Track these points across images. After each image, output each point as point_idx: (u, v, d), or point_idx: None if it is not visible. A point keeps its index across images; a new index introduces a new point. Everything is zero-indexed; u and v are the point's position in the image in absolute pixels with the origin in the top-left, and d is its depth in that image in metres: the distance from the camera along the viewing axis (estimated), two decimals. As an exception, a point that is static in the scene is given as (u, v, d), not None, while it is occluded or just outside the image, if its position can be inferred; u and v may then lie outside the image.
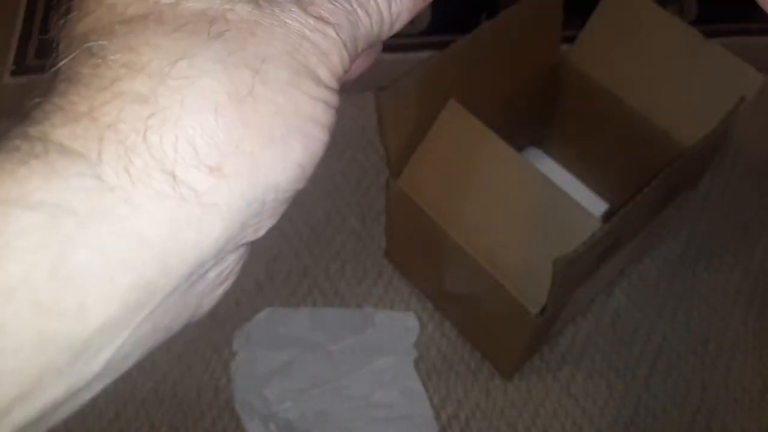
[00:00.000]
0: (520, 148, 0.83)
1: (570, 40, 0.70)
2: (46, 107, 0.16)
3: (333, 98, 0.18)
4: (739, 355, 0.75)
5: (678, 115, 0.65)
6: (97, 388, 0.17)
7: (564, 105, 0.76)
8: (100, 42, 0.16)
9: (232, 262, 0.18)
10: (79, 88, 0.16)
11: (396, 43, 0.94)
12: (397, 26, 0.20)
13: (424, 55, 0.91)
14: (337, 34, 0.18)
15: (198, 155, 0.16)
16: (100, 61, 0.16)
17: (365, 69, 0.24)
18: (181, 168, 0.15)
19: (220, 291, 0.19)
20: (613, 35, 0.67)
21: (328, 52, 0.18)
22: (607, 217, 0.55)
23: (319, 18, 0.18)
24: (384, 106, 0.57)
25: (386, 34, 0.20)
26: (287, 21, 0.17)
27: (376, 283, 0.78)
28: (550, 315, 0.59)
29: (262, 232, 0.18)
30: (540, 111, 0.78)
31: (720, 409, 0.72)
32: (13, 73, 0.92)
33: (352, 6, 0.19)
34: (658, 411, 0.72)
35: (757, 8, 0.20)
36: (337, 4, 0.18)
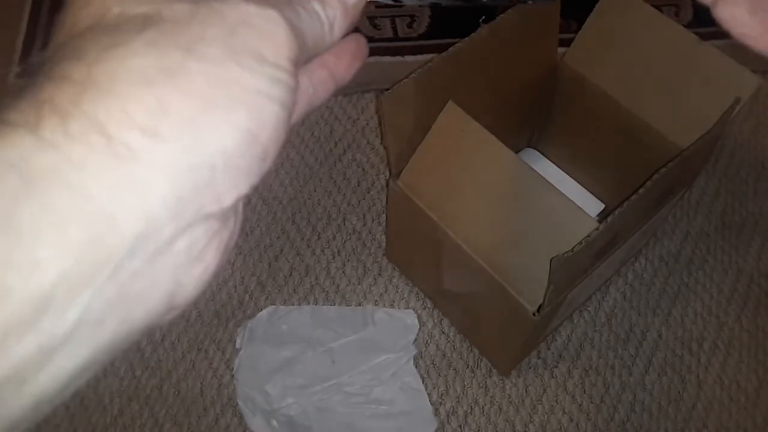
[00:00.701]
0: (517, 150, 0.83)
1: (567, 43, 0.71)
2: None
3: (282, 75, 0.19)
4: (735, 353, 0.75)
5: (674, 117, 0.65)
6: (76, 358, 0.17)
7: (560, 107, 0.76)
8: (53, 52, 0.18)
9: (202, 235, 0.19)
10: (30, 85, 0.17)
11: (396, 47, 0.95)
12: (337, 30, 0.21)
13: (423, 58, 0.92)
14: (280, 17, 0.19)
15: (131, 118, 0.17)
16: (50, 65, 0.18)
17: (354, 71, 0.25)
18: (115, 129, 0.17)
19: (198, 269, 0.19)
20: (609, 38, 0.67)
21: (271, 33, 0.19)
22: (603, 217, 0.56)
23: (259, 5, 0.19)
24: (385, 109, 0.57)
25: (328, 35, 0.21)
26: (224, 11, 0.18)
27: (377, 281, 0.79)
28: (547, 313, 0.59)
29: (227, 202, 0.18)
30: (537, 113, 0.78)
31: (716, 407, 0.72)
32: (19, 75, 0.92)
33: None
34: (654, 408, 0.72)
35: None
36: None
